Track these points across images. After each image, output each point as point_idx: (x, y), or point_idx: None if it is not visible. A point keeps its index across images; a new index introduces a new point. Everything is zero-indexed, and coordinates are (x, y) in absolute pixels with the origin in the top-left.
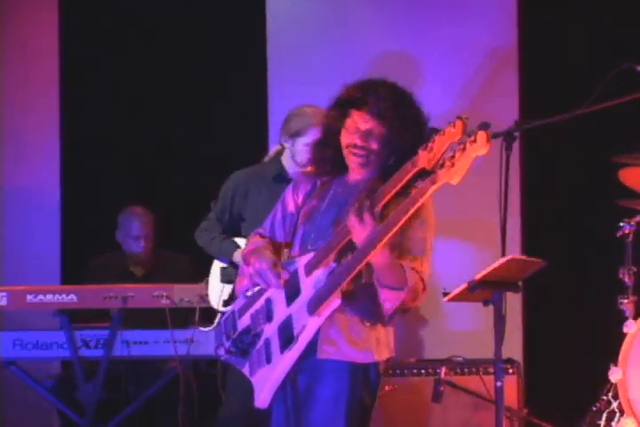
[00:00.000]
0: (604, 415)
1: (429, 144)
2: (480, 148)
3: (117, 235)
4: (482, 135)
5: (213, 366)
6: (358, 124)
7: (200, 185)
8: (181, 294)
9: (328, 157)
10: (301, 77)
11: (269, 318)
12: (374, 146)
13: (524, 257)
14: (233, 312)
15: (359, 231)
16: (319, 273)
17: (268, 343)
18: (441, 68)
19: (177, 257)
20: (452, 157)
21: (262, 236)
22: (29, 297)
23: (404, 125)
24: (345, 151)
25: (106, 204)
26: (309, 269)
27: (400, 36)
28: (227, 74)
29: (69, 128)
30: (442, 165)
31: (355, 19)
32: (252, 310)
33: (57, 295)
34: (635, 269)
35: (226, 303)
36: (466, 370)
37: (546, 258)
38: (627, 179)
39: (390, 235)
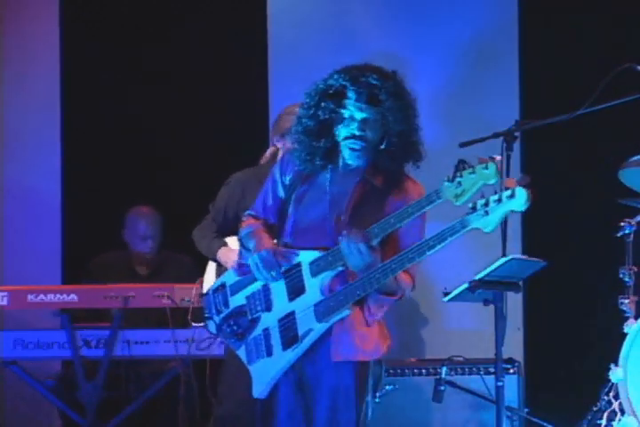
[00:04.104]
0: (605, 415)
1: (456, 177)
2: (518, 205)
3: (124, 234)
4: (521, 193)
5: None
6: (354, 114)
7: (200, 185)
8: (182, 293)
9: (321, 148)
10: (302, 77)
11: (268, 308)
12: (370, 134)
13: (524, 257)
14: (224, 285)
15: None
16: (327, 277)
17: (267, 335)
18: (442, 68)
19: (181, 258)
20: (486, 204)
21: (256, 218)
22: (30, 297)
23: (399, 108)
24: (342, 143)
25: (106, 203)
26: (316, 269)
27: (400, 35)
28: (227, 74)
29: (70, 128)
30: (474, 208)
31: (355, 19)
32: (247, 291)
33: (58, 295)
34: (635, 269)
35: None
36: (466, 370)
37: (546, 258)
38: (627, 179)
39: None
